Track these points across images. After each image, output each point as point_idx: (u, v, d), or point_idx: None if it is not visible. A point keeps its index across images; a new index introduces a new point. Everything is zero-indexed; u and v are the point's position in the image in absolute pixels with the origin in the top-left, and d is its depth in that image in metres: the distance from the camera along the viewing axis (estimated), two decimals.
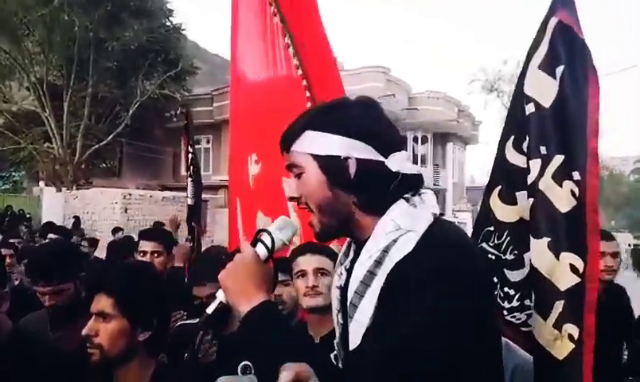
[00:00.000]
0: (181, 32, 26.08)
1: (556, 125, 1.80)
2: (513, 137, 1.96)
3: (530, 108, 1.85)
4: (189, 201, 5.40)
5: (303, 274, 2.24)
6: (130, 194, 20.71)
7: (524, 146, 1.90)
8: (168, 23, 25.67)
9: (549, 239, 1.73)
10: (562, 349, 1.65)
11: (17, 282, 4.14)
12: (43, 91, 22.71)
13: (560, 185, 1.75)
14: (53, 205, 21.45)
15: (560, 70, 1.82)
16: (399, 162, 1.23)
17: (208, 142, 27.83)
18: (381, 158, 1.23)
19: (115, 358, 1.60)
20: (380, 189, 1.23)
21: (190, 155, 5.47)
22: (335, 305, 1.39)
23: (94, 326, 1.60)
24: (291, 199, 1.33)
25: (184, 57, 25.34)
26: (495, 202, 1.96)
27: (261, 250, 1.30)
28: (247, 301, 1.21)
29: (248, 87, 3.60)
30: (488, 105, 38.52)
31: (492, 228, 1.95)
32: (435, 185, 26.82)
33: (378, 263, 1.14)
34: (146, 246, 3.35)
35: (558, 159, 1.77)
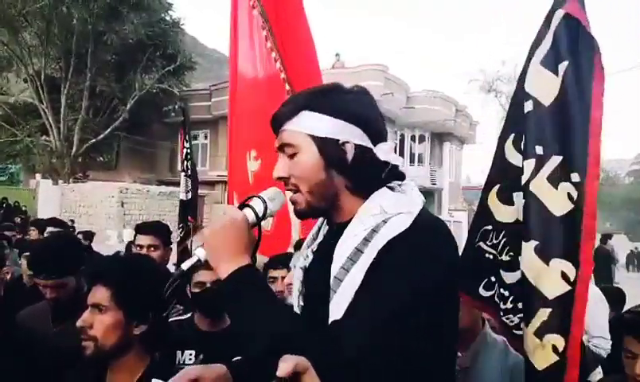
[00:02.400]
0: (180, 27, 26.04)
1: (556, 124, 1.71)
2: (512, 135, 1.90)
3: (528, 106, 1.77)
4: (182, 196, 5.35)
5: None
6: (126, 188, 20.72)
7: (522, 145, 1.83)
8: (167, 17, 25.64)
9: (537, 243, 1.66)
10: (542, 360, 1.61)
11: (8, 276, 4.13)
12: (41, 83, 22.69)
13: (556, 188, 1.67)
14: (49, 198, 21.41)
15: (563, 66, 1.73)
16: (386, 152, 1.27)
17: (205, 137, 27.80)
18: (371, 146, 1.26)
19: (110, 351, 1.57)
20: (370, 175, 1.26)
21: (185, 150, 5.43)
22: (296, 286, 1.41)
23: (89, 318, 1.57)
24: (279, 179, 1.31)
25: (182, 52, 25.34)
26: (493, 201, 1.92)
27: (250, 215, 1.27)
28: (229, 262, 1.19)
29: (245, 84, 3.63)
30: (486, 105, 38.56)
31: (490, 228, 1.91)
32: (431, 184, 26.85)
33: (366, 240, 1.17)
34: (143, 240, 3.29)
35: (555, 160, 1.69)
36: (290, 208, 1.36)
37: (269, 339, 1.13)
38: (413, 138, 27.19)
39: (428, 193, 24.85)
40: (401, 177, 1.30)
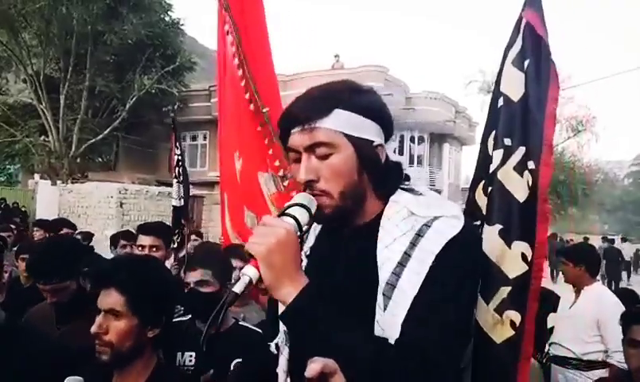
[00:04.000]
0: (179, 27, 26.00)
1: (521, 118, 1.86)
2: (494, 132, 2.01)
3: (500, 102, 1.93)
4: (175, 203, 5.27)
5: None
6: (125, 189, 20.66)
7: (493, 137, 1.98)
8: (167, 18, 25.58)
9: (502, 226, 1.78)
10: (501, 334, 1.68)
11: (6, 276, 4.10)
12: (40, 83, 22.62)
13: (521, 176, 1.80)
14: (48, 199, 21.36)
15: (526, 63, 1.90)
16: (391, 150, 1.29)
17: (205, 137, 27.77)
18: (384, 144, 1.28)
19: (126, 355, 1.59)
20: (392, 177, 1.27)
21: (177, 157, 5.37)
22: None
23: (104, 323, 1.58)
24: (307, 182, 1.21)
25: (182, 52, 25.27)
26: (480, 197, 1.99)
27: (295, 225, 1.14)
28: (291, 281, 1.09)
29: (226, 85, 3.64)
30: (485, 106, 38.47)
31: (478, 223, 1.95)
32: (430, 185, 26.83)
33: (413, 244, 1.15)
34: (145, 240, 3.32)
35: (521, 151, 1.83)
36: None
37: (351, 356, 1.04)
38: (412, 140, 27.16)
39: None
40: (407, 177, 1.31)
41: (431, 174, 27.44)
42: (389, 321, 1.12)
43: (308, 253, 1.36)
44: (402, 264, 1.14)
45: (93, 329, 1.58)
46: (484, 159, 2.02)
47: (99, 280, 1.70)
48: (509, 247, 1.74)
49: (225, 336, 2.27)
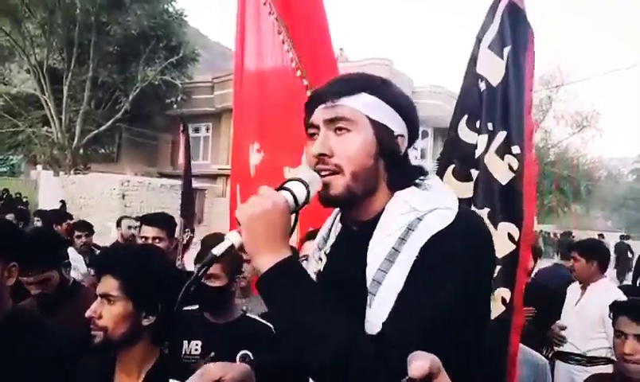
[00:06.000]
0: (183, 18, 25.94)
1: (502, 103, 1.93)
2: (466, 116, 2.05)
3: (482, 86, 1.99)
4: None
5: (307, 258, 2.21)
6: (128, 181, 20.65)
7: (477, 124, 2.02)
8: (170, 9, 25.52)
9: (489, 209, 1.85)
10: (493, 311, 1.73)
11: None
12: (43, 74, 22.64)
13: (502, 159, 1.88)
14: (50, 190, 21.39)
15: (506, 51, 1.96)
16: (412, 157, 1.28)
17: (207, 130, 27.72)
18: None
19: (119, 340, 1.59)
20: (407, 175, 1.24)
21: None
22: None
23: (98, 308, 1.59)
24: (320, 155, 1.20)
25: (185, 44, 25.21)
26: (450, 180, 2.04)
27: (290, 200, 1.14)
28: (272, 251, 1.09)
29: (251, 76, 3.61)
30: None
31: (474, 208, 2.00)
32: None
33: (402, 239, 1.12)
34: (148, 231, 3.32)
35: (502, 135, 1.90)
36: None
37: (319, 338, 1.04)
38: None
39: None
40: (424, 172, 1.27)
41: (435, 168, 27.38)
42: (373, 319, 1.10)
43: (328, 251, 1.35)
44: (389, 260, 1.12)
45: (88, 313, 1.59)
46: (454, 142, 2.09)
47: (97, 268, 1.72)
48: (496, 228, 1.82)
49: (232, 327, 2.27)
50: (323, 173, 1.20)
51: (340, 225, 1.37)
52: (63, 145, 23.10)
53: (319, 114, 1.22)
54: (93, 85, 23.31)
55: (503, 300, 1.78)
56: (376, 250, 1.15)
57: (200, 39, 30.75)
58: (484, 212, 1.84)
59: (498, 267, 1.76)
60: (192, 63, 26.30)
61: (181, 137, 5.31)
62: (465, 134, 2.05)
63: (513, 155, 1.88)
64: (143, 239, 3.31)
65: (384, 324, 1.07)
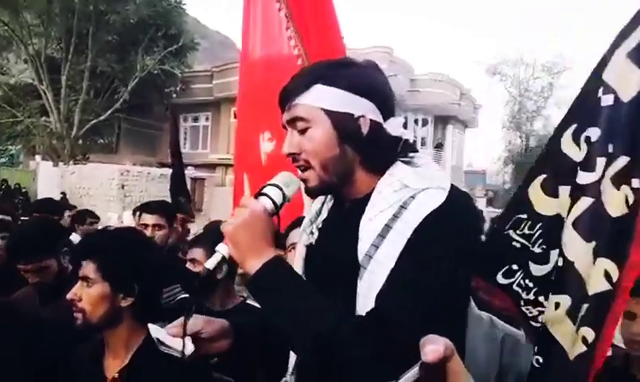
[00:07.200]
0: (182, 7, 25.77)
1: (630, 123, 1.61)
2: (575, 126, 1.76)
3: (608, 100, 1.66)
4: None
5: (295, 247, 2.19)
6: (127, 171, 20.63)
7: (583, 137, 1.72)
8: None
9: (596, 243, 1.60)
10: (575, 350, 1.60)
11: None
12: (41, 63, 22.53)
13: (618, 189, 1.59)
14: (49, 180, 21.35)
15: None
16: (396, 127, 1.29)
17: (207, 119, 27.70)
18: (381, 121, 1.28)
19: (98, 322, 1.64)
20: (384, 150, 1.27)
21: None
22: (299, 263, 1.43)
23: (77, 291, 1.65)
24: (289, 155, 1.30)
25: (185, 33, 25.08)
26: (535, 191, 1.85)
27: (268, 204, 1.26)
28: (257, 256, 1.18)
29: (259, 64, 3.55)
30: (491, 88, 38.40)
31: (525, 217, 1.86)
32: None
33: (395, 217, 1.17)
34: (148, 219, 3.34)
35: (622, 161, 1.59)
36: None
37: (312, 332, 1.11)
38: (416, 122, 27.06)
39: None
40: (414, 149, 1.32)
41: (434, 156, 27.37)
42: (365, 292, 1.15)
43: (320, 226, 1.40)
44: (382, 236, 1.16)
45: (68, 295, 1.64)
46: (553, 152, 1.82)
47: (79, 253, 1.76)
48: (594, 262, 1.60)
49: (229, 315, 2.22)
50: (300, 170, 1.30)
51: (332, 200, 1.42)
52: (62, 135, 23.03)
53: (284, 116, 1.31)
54: (92, 75, 23.19)
55: (584, 340, 1.57)
56: (369, 225, 1.20)
57: (199, 28, 30.60)
58: (590, 246, 1.61)
59: (587, 305, 1.57)
60: (191, 52, 26.18)
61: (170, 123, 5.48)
62: (567, 145, 1.78)
63: (632, 189, 1.57)
64: (143, 227, 3.31)
65: (378, 297, 1.12)
